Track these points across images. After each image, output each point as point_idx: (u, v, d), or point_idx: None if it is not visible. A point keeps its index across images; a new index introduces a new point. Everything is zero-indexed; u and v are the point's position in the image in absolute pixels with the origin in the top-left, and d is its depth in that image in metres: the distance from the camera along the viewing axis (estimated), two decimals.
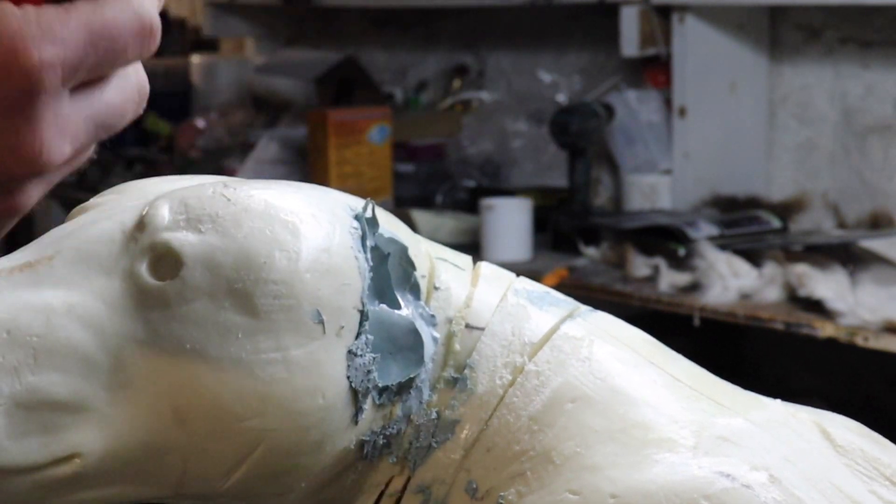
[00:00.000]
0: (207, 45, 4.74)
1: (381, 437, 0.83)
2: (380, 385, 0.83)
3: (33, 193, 0.62)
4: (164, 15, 3.45)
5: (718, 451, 0.81)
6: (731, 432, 0.82)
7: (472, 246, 3.05)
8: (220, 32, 4.39)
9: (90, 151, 0.62)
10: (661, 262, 2.85)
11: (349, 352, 0.81)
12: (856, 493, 0.83)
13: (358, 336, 0.82)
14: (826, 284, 2.61)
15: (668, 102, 3.23)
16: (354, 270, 0.82)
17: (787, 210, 3.09)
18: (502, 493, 0.82)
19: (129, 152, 4.21)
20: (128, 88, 0.62)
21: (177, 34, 4.86)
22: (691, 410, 0.84)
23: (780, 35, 3.22)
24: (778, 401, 0.89)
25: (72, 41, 0.56)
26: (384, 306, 0.84)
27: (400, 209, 3.26)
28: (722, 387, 0.88)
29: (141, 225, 0.81)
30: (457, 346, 0.85)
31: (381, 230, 0.85)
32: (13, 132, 0.57)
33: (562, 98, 3.56)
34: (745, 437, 0.82)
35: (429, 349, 0.85)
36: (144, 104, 0.63)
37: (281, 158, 3.65)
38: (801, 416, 0.87)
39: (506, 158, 3.70)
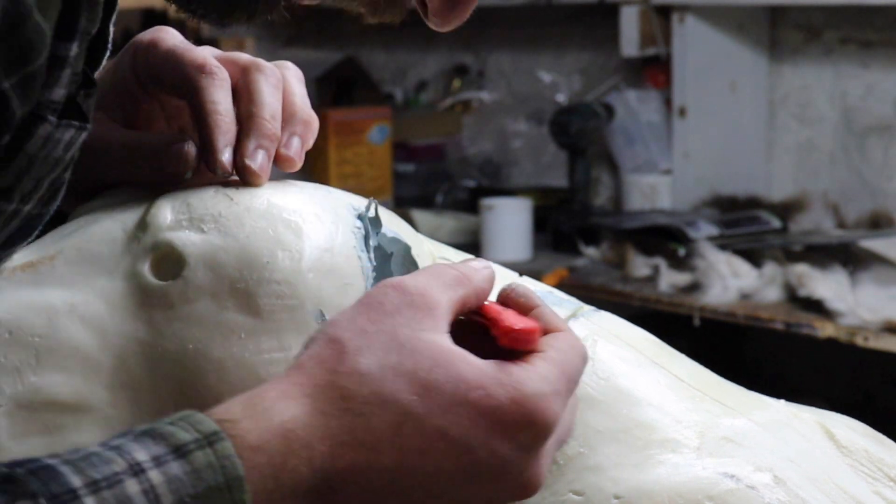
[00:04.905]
0: (208, 44, 4.74)
1: None
2: None
3: None
4: (163, 15, 3.40)
5: (722, 451, 0.81)
6: (734, 433, 0.82)
7: (472, 246, 3.05)
8: (221, 33, 4.39)
9: None
10: (661, 262, 2.84)
11: None
12: (860, 493, 0.82)
13: None
14: (826, 284, 2.61)
15: (668, 102, 3.23)
16: (357, 270, 0.82)
17: (787, 210, 3.09)
18: None
19: None
20: (573, 406, 0.75)
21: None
22: (695, 411, 0.83)
23: (780, 35, 3.22)
24: (781, 401, 0.89)
25: (561, 391, 0.72)
26: None
27: (400, 209, 3.26)
28: (726, 387, 0.88)
29: (143, 224, 0.81)
30: None
31: (384, 230, 0.85)
32: (523, 467, 0.71)
33: (562, 98, 3.55)
34: (749, 437, 0.82)
35: None
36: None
37: None
38: (804, 417, 0.87)
39: (506, 158, 3.70)
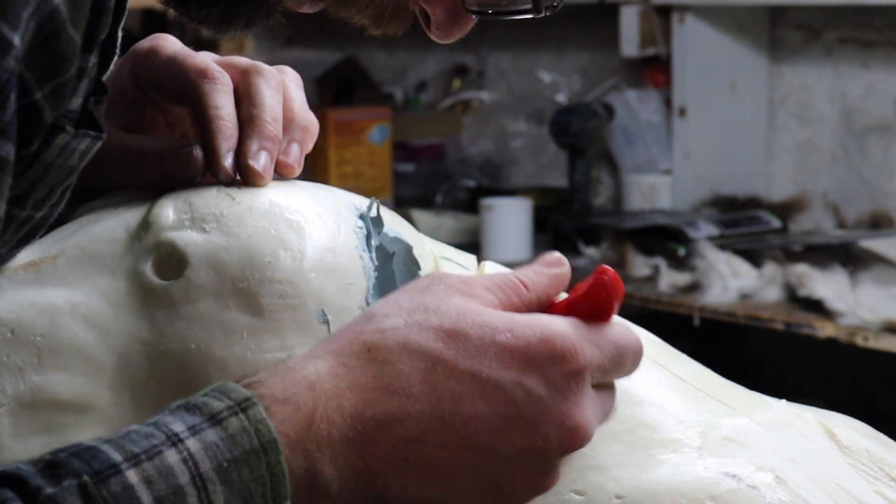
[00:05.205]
0: (207, 45, 4.73)
1: None
2: None
3: (560, 472, 0.73)
4: (163, 15, 3.39)
5: (724, 451, 0.81)
6: (736, 433, 0.82)
7: (472, 246, 3.05)
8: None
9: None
10: (661, 262, 2.85)
11: None
12: (861, 493, 0.82)
13: None
14: (826, 284, 2.61)
15: (668, 102, 3.23)
16: (359, 270, 0.82)
17: (787, 210, 3.09)
18: None
19: None
20: (613, 396, 0.75)
21: (177, 35, 4.84)
22: (697, 411, 0.83)
23: (780, 35, 3.22)
24: (783, 401, 0.89)
25: (600, 344, 0.72)
26: None
27: (400, 209, 3.26)
28: (727, 387, 0.88)
29: (145, 224, 0.81)
30: None
31: (385, 229, 0.85)
32: (564, 410, 0.70)
33: (562, 98, 3.55)
34: (751, 437, 0.82)
35: None
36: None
37: None
38: (806, 417, 0.87)
39: (506, 158, 3.70)
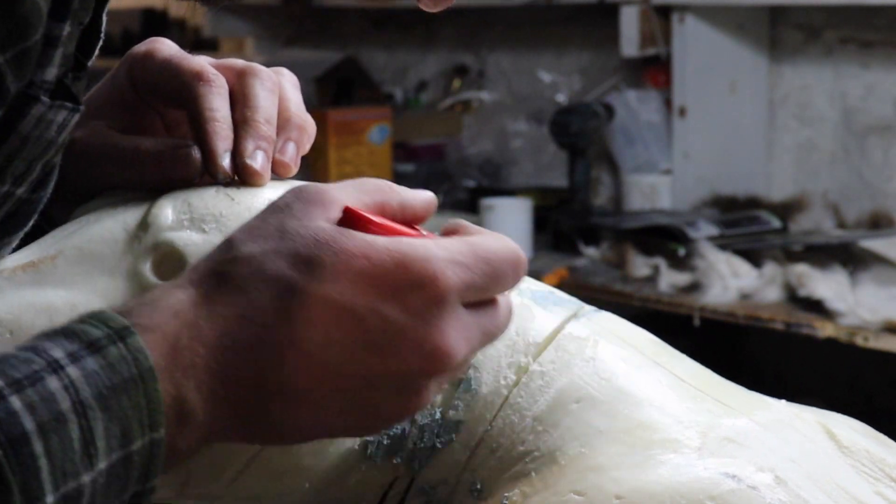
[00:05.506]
0: (207, 45, 4.74)
1: (385, 437, 0.83)
2: None
3: (431, 392, 0.73)
4: (164, 15, 3.38)
5: (724, 451, 0.81)
6: (736, 433, 0.82)
7: None
8: (220, 32, 4.39)
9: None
10: (661, 262, 2.85)
11: None
12: (861, 494, 0.82)
13: None
14: (826, 284, 2.61)
15: (668, 102, 3.23)
16: None
17: (787, 210, 3.09)
18: (506, 494, 0.81)
19: None
20: (498, 312, 0.74)
21: (177, 34, 4.86)
22: (696, 411, 0.83)
23: (780, 35, 3.22)
24: (783, 401, 0.89)
25: (466, 264, 0.71)
26: None
27: None
28: (727, 387, 0.88)
29: (144, 224, 0.81)
30: None
31: None
32: (423, 334, 0.70)
33: (562, 98, 3.55)
34: (751, 437, 0.82)
35: None
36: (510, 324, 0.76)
37: None
38: (805, 417, 0.87)
39: (506, 158, 3.70)
